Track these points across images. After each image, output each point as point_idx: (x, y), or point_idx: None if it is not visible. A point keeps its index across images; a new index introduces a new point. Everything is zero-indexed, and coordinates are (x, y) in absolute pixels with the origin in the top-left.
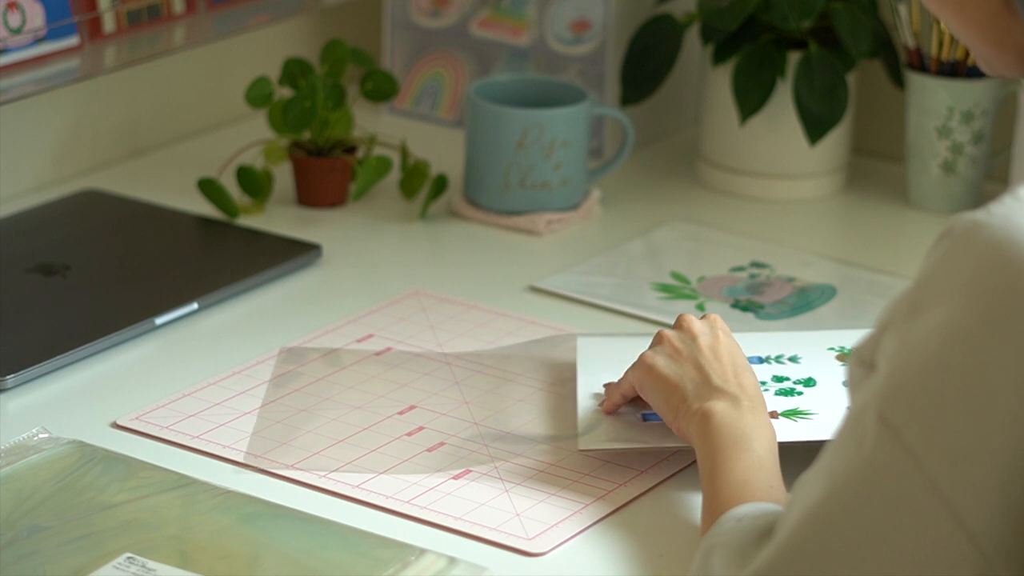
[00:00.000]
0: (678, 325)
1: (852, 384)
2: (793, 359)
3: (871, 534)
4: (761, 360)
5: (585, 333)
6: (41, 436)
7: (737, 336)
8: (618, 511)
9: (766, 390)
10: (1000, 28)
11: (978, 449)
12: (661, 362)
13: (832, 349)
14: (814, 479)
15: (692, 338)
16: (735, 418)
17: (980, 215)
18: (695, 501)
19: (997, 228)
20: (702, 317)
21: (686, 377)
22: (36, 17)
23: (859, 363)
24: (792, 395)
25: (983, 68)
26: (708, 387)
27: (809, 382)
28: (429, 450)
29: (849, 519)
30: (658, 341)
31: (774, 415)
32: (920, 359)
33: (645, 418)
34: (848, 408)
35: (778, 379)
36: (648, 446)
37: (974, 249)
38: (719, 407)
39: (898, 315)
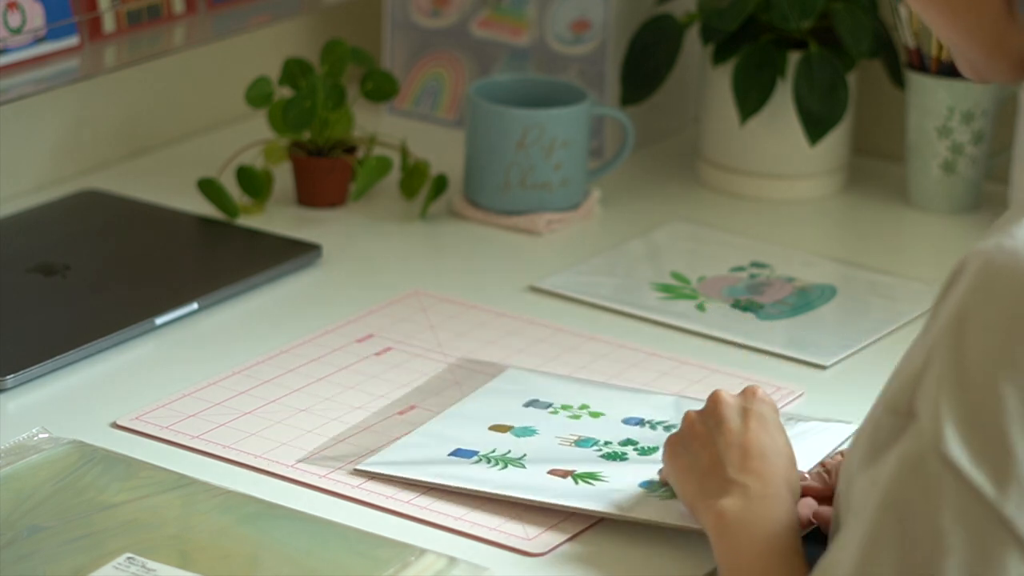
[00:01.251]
0: (709, 402)
1: (883, 438)
2: (668, 428)
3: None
4: (639, 422)
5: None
6: (41, 436)
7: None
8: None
9: (618, 453)
10: (996, 33)
11: None
12: (679, 448)
13: None
14: (867, 551)
15: (717, 422)
16: (745, 513)
17: (998, 242)
18: None
19: (1017, 251)
20: (742, 392)
21: (698, 468)
22: (36, 17)
23: (892, 413)
24: (614, 459)
25: (968, 74)
26: (721, 479)
27: (651, 451)
28: None
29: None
30: (684, 421)
31: (566, 474)
32: (980, 396)
33: (451, 454)
34: (884, 465)
35: (632, 442)
36: (426, 480)
37: (1007, 275)
38: (729, 505)
39: (937, 358)
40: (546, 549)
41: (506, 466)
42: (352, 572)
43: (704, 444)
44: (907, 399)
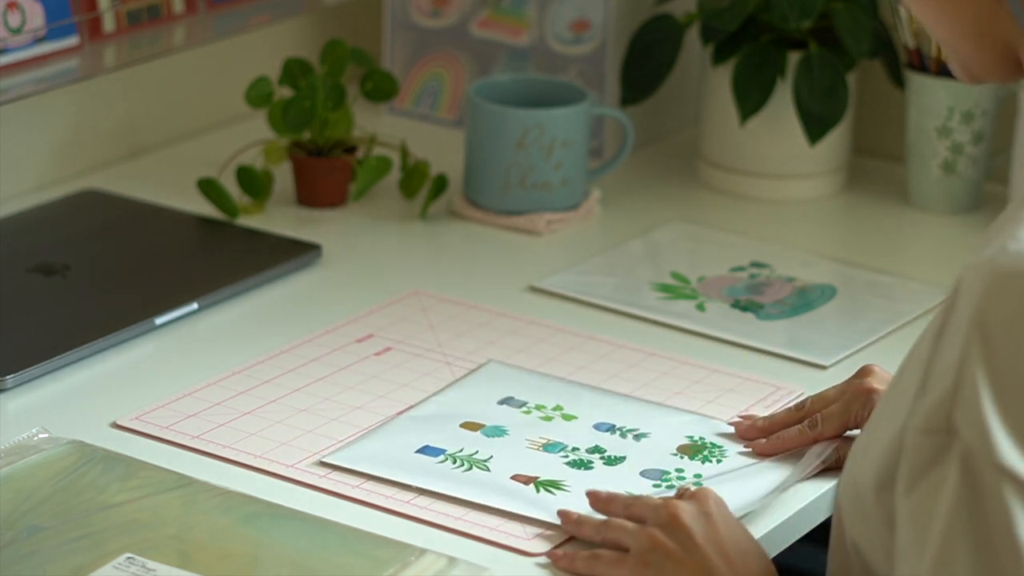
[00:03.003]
0: (664, 515)
1: (923, 460)
2: (638, 437)
3: None
4: (610, 428)
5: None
6: (41, 436)
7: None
8: None
9: (584, 461)
10: (982, 22)
11: None
12: (650, 570)
13: (690, 437)
14: (941, 571)
15: (686, 535)
16: None
17: (1002, 246)
18: None
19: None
20: (691, 496)
21: None
22: (36, 17)
23: (930, 434)
24: (579, 467)
25: (960, 75)
26: None
27: (617, 460)
28: None
29: None
30: (644, 540)
31: (528, 480)
32: (1021, 398)
33: (419, 450)
34: (935, 489)
35: (599, 450)
36: (389, 478)
37: (1018, 276)
38: None
39: (968, 371)
40: (546, 549)
41: (471, 467)
42: (352, 572)
43: (680, 561)
44: (945, 417)
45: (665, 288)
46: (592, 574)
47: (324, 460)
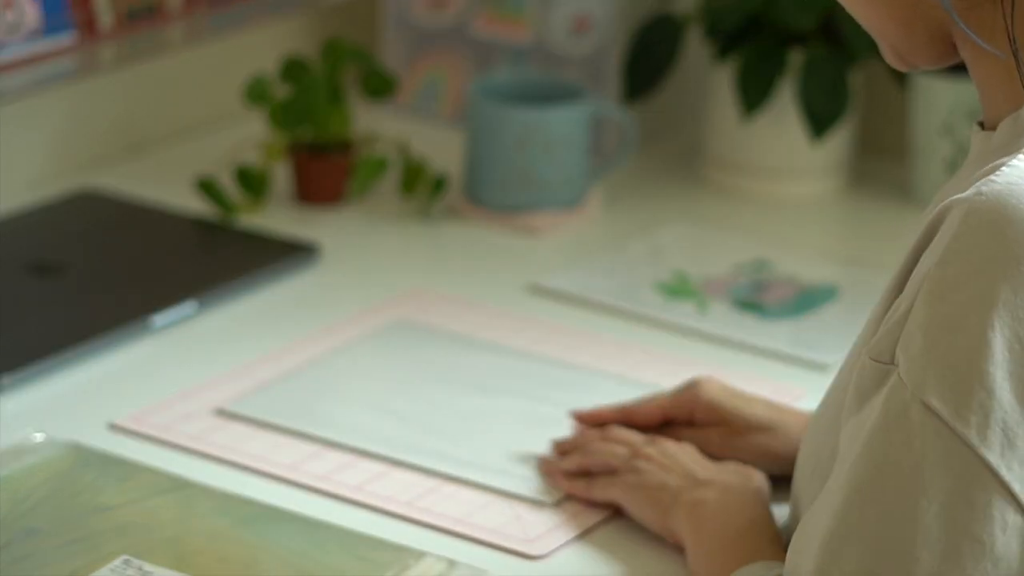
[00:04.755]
0: (636, 438)
1: (867, 386)
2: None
3: (938, 527)
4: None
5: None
6: (37, 438)
7: None
8: (618, 514)
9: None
10: (911, 6)
11: None
12: (630, 474)
13: None
14: (850, 497)
15: (666, 445)
16: (723, 501)
17: (978, 188)
18: None
19: (999, 196)
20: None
21: (667, 482)
22: (32, 15)
23: (876, 361)
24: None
25: (891, 61)
26: (693, 482)
27: None
28: None
29: (906, 510)
30: (626, 448)
31: None
32: (963, 341)
33: None
34: (869, 412)
35: None
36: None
37: (989, 218)
38: (705, 494)
39: (919, 305)
40: (546, 551)
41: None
42: (351, 575)
43: (661, 465)
44: (891, 346)
45: (666, 288)
46: (590, 496)
47: (224, 409)
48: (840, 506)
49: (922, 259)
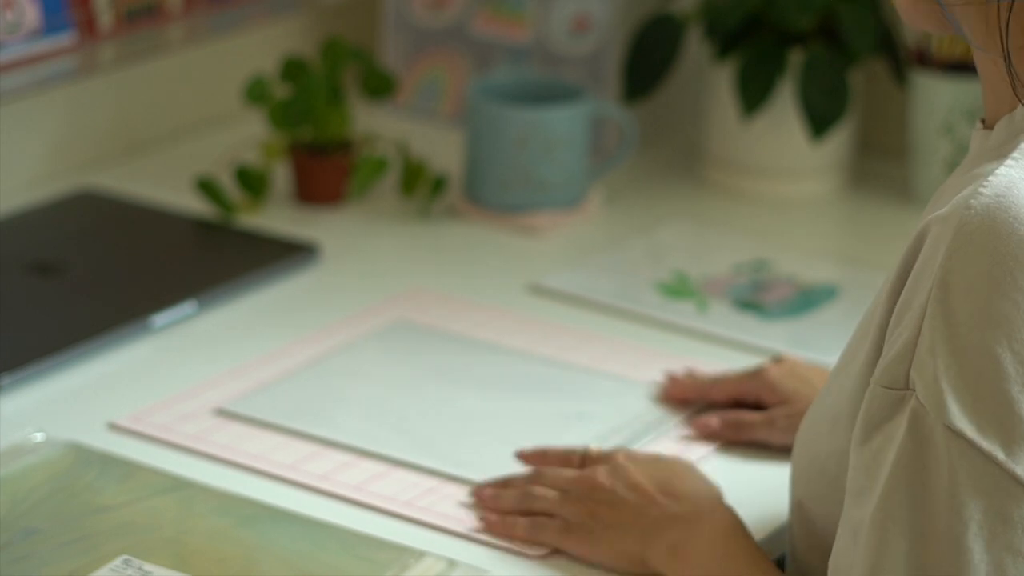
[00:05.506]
0: (587, 489)
1: (878, 413)
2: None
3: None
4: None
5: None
6: (37, 438)
7: None
8: None
9: None
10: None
11: None
12: (583, 510)
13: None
14: (882, 528)
15: (609, 493)
16: (694, 535)
17: (966, 201)
18: None
19: (987, 210)
20: (594, 461)
21: (625, 518)
22: (32, 15)
23: (887, 387)
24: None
25: (904, 19)
26: (655, 517)
27: None
28: None
29: (950, 534)
30: (576, 511)
31: None
32: (976, 361)
33: None
34: (886, 441)
35: None
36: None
37: (983, 234)
38: (675, 537)
39: (928, 327)
40: (545, 551)
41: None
42: (351, 575)
43: (616, 505)
44: (903, 372)
45: (666, 287)
46: (537, 540)
47: (223, 408)
48: (877, 540)
49: (912, 275)
